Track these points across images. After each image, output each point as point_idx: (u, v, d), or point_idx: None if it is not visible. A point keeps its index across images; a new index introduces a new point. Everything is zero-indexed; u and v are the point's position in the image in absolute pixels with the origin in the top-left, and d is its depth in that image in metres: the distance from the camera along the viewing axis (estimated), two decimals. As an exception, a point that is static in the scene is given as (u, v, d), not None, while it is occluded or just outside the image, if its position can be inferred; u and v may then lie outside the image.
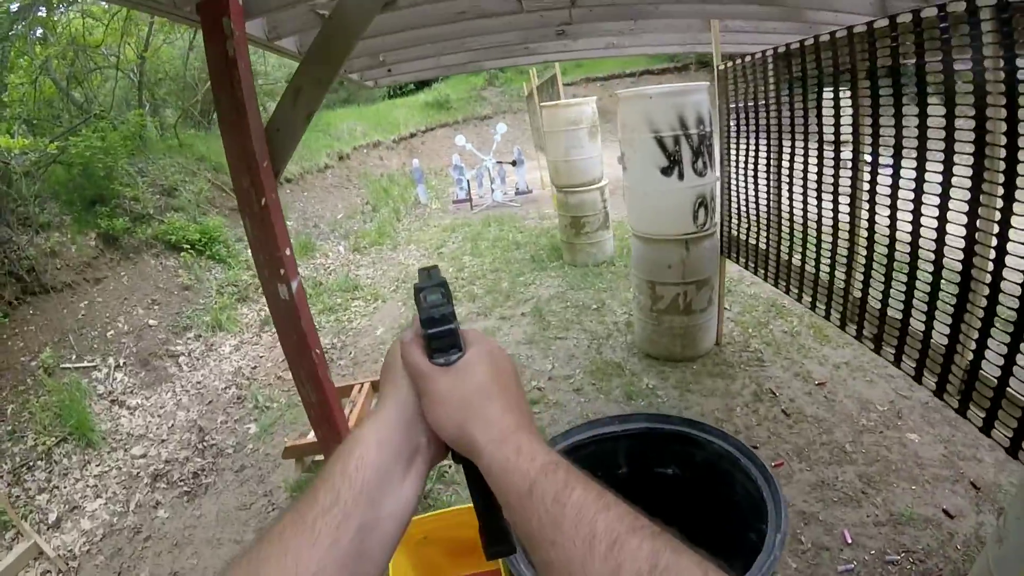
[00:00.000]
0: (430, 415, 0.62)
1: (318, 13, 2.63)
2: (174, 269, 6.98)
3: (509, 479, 0.54)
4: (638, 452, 1.93)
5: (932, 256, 2.24)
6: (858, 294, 2.89)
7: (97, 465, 4.41)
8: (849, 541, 2.91)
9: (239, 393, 5.48)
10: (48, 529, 3.83)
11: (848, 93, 2.77)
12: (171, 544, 3.66)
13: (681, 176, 4.31)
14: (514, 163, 12.44)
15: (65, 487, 4.16)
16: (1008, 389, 1.94)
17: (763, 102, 3.70)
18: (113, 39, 9.53)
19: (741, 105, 4.03)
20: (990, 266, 1.94)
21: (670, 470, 1.92)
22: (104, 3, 8.62)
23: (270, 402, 5.23)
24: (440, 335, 0.64)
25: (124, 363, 5.49)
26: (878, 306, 2.71)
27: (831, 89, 2.94)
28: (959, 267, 2.11)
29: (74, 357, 5.25)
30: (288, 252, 1.75)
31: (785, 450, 3.63)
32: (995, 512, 2.98)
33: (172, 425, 4.98)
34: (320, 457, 3.90)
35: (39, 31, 8.73)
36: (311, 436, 3.76)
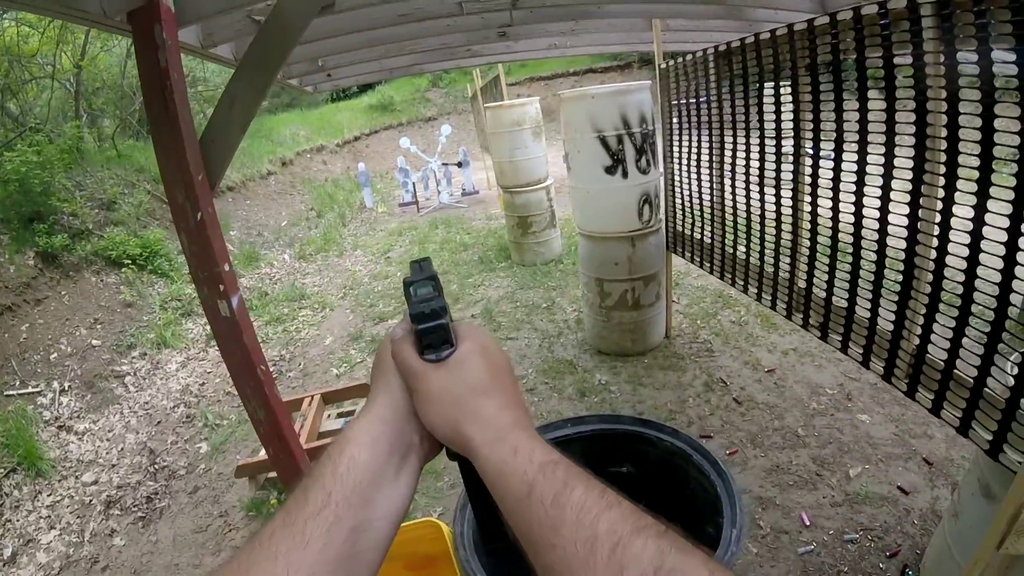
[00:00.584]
0: (423, 414, 0.60)
1: (254, 20, 2.57)
2: (115, 286, 6.75)
3: (506, 481, 0.53)
4: (592, 453, 1.92)
5: (875, 245, 2.29)
6: (803, 284, 2.95)
7: (49, 495, 4.23)
8: (807, 523, 2.97)
9: (188, 411, 5.32)
10: (4, 565, 3.66)
11: (789, 88, 2.82)
12: (129, 572, 3.53)
13: (625, 174, 4.35)
14: (460, 164, 12.42)
15: (18, 520, 3.98)
16: (955, 371, 1.99)
17: (705, 99, 3.75)
18: (49, 48, 9.26)
19: (683, 102, 4.07)
20: (933, 253, 1.99)
21: (624, 469, 1.92)
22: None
23: (220, 419, 5.09)
24: (430, 331, 0.61)
25: (69, 387, 5.28)
26: (823, 295, 2.76)
27: (772, 85, 2.99)
28: (903, 255, 2.16)
29: (18, 383, 5.03)
30: (227, 268, 1.69)
31: (739, 438, 3.69)
32: (949, 487, 3.08)
33: (122, 449, 4.81)
34: (273, 474, 3.81)
35: (-28, 42, 8.43)
36: (263, 453, 3.66)
